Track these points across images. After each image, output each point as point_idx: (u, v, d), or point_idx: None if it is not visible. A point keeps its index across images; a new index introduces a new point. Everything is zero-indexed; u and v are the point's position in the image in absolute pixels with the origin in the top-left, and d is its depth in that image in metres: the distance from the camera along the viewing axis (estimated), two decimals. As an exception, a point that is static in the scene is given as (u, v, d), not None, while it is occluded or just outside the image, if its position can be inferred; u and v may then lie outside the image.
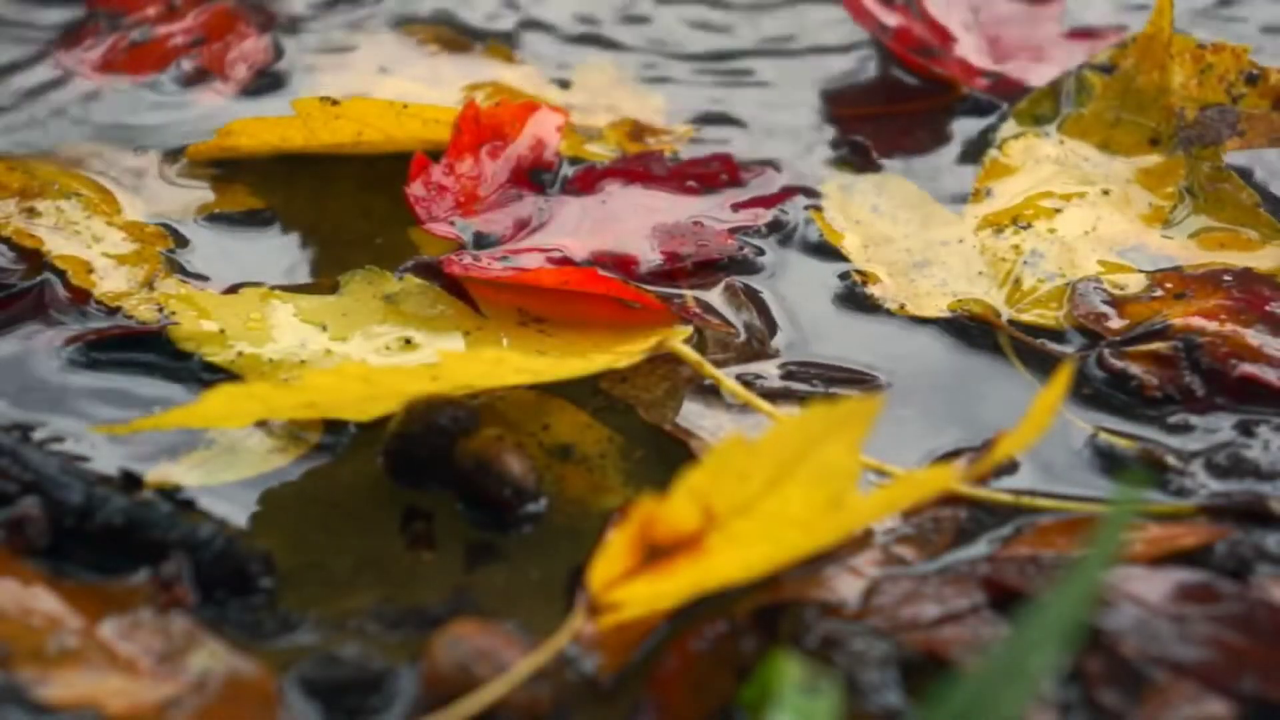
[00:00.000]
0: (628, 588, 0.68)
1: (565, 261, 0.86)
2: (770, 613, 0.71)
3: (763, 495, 0.69)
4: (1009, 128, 0.96)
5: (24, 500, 0.74)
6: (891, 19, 1.01)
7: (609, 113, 0.98)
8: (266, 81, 1.00)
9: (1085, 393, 0.82)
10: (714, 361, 0.82)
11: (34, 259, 0.86)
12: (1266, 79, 0.93)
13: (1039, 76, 0.99)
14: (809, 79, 1.01)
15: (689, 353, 0.82)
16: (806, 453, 0.69)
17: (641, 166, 0.93)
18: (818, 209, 0.91)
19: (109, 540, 0.74)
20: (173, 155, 0.94)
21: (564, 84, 1.00)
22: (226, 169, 0.93)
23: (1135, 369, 0.82)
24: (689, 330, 0.83)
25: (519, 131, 0.92)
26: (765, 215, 0.91)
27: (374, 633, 0.72)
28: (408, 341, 0.83)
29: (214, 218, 0.91)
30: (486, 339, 0.83)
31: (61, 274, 0.86)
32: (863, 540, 0.74)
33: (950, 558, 0.74)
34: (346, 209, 0.92)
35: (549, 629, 0.70)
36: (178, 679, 0.69)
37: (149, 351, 0.83)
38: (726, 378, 0.81)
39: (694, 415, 0.80)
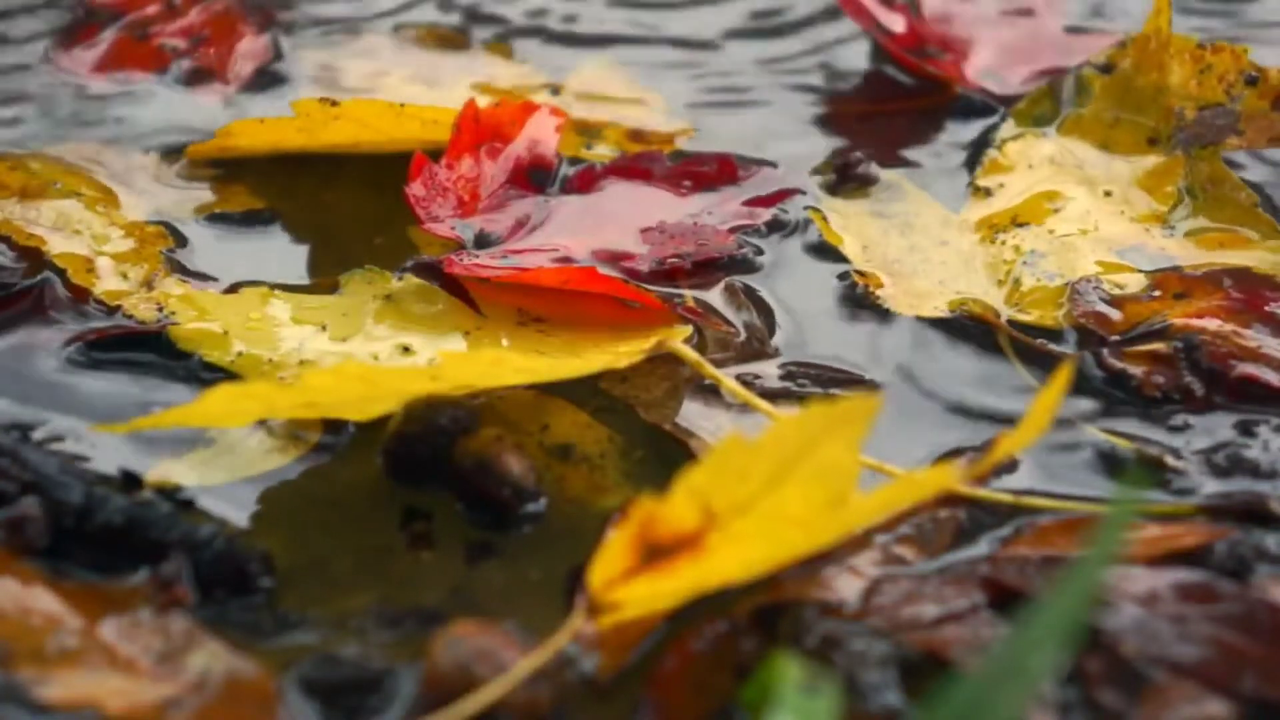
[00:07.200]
0: (628, 587, 0.68)
1: (565, 261, 0.86)
2: (770, 613, 0.71)
3: (763, 495, 0.69)
4: (1008, 128, 0.96)
5: (24, 500, 0.74)
6: (889, 17, 1.01)
7: (608, 112, 0.98)
8: (266, 81, 1.00)
9: (1085, 393, 0.82)
10: (714, 361, 0.82)
11: (34, 258, 0.86)
12: (1266, 79, 0.93)
13: (1038, 76, 0.99)
14: (807, 78, 1.01)
15: (689, 353, 0.82)
16: (806, 452, 0.69)
17: (641, 166, 0.93)
18: (817, 209, 0.91)
19: (109, 540, 0.74)
20: (173, 155, 0.94)
21: (563, 83, 1.00)
22: (226, 169, 0.93)
23: (1135, 369, 0.82)
24: (689, 330, 0.83)
25: (518, 132, 0.92)
26: (765, 215, 0.91)
27: (374, 632, 0.72)
28: (407, 344, 0.83)
29: (214, 218, 0.91)
30: (486, 339, 0.83)
31: (61, 273, 0.86)
32: (863, 540, 0.74)
33: (950, 558, 0.74)
34: (346, 209, 0.92)
35: (549, 629, 0.70)
36: (177, 679, 0.69)
37: (149, 351, 0.83)
38: (726, 378, 0.81)
39: (694, 415, 0.80)
